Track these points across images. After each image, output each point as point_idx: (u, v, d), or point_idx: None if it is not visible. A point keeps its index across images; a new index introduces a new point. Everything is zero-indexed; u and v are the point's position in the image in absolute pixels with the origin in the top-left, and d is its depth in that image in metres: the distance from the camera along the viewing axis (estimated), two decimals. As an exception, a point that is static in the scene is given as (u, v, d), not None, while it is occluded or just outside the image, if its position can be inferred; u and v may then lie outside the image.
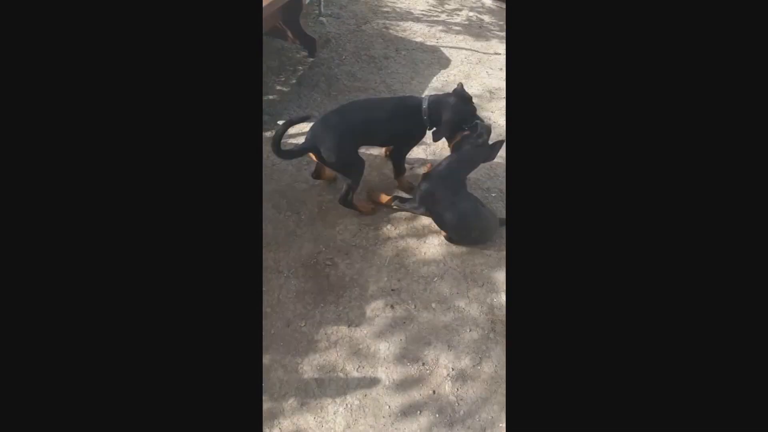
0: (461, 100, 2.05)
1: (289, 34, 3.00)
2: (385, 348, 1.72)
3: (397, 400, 1.58)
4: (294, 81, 2.92)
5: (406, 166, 2.28)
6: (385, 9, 3.76)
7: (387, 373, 1.65)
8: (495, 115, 2.79)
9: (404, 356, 1.70)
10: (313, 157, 2.00)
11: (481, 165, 2.10)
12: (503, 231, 2.10)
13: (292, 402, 1.56)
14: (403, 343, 1.74)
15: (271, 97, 2.75)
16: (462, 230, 2.02)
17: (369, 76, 3.01)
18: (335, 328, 1.76)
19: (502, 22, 3.77)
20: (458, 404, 1.59)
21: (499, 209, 2.21)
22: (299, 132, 2.29)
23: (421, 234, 2.11)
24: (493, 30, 3.67)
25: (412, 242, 2.07)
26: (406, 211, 2.15)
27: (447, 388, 1.63)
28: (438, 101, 2.06)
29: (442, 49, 3.34)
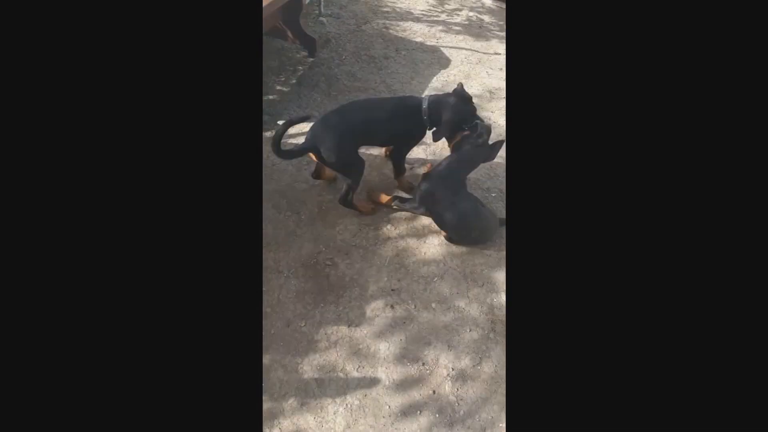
0: (461, 100, 2.05)
1: (289, 34, 3.00)
2: (385, 348, 1.72)
3: (397, 400, 1.58)
4: (294, 81, 2.92)
5: (406, 166, 2.28)
6: (385, 9, 3.76)
7: (387, 373, 1.65)
8: (495, 115, 2.79)
9: (404, 356, 1.70)
10: (313, 157, 2.00)
11: (481, 165, 2.10)
12: (503, 231, 2.10)
13: (292, 402, 1.56)
14: (403, 343, 1.74)
15: (271, 97, 2.75)
16: (462, 230, 2.02)
17: (369, 76, 3.01)
18: (335, 328, 1.76)
19: (502, 22, 3.77)
20: (458, 404, 1.59)
21: (499, 209, 2.21)
22: (299, 132, 2.29)
23: (421, 234, 2.11)
24: (493, 30, 3.67)
25: (412, 242, 2.07)
26: (406, 211, 2.15)
27: (447, 388, 1.63)
28: (438, 101, 2.06)
29: (442, 49, 3.34)
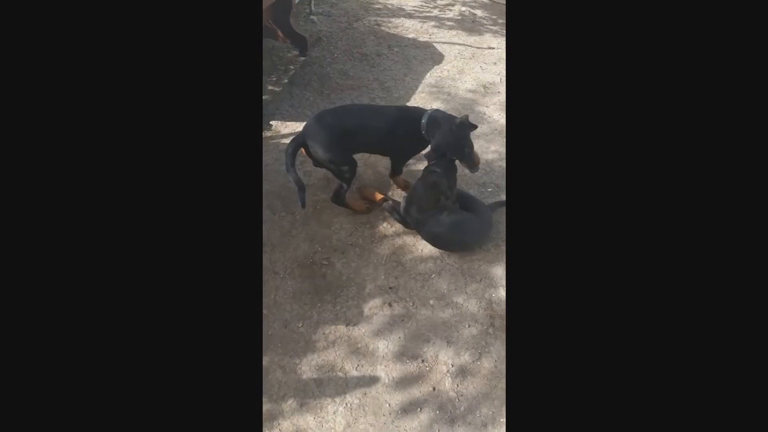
0: (458, 127, 1.92)
1: (280, 33, 2.98)
2: (384, 346, 1.71)
3: (397, 398, 1.57)
4: (286, 80, 2.90)
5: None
6: (377, 6, 3.75)
7: (386, 371, 1.64)
8: (490, 109, 2.78)
9: (403, 354, 1.69)
10: (302, 151, 2.00)
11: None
12: (500, 226, 2.09)
13: (291, 403, 1.55)
14: (402, 340, 1.73)
15: (263, 97, 2.74)
16: (445, 246, 2.01)
17: (361, 73, 3.00)
18: (333, 327, 1.75)
19: (495, 16, 3.76)
20: (458, 400, 1.58)
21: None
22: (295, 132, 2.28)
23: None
24: (486, 24, 3.66)
25: (408, 240, 2.06)
26: (394, 219, 2.11)
27: (447, 384, 1.62)
28: (435, 121, 1.96)
29: (435, 44, 3.33)
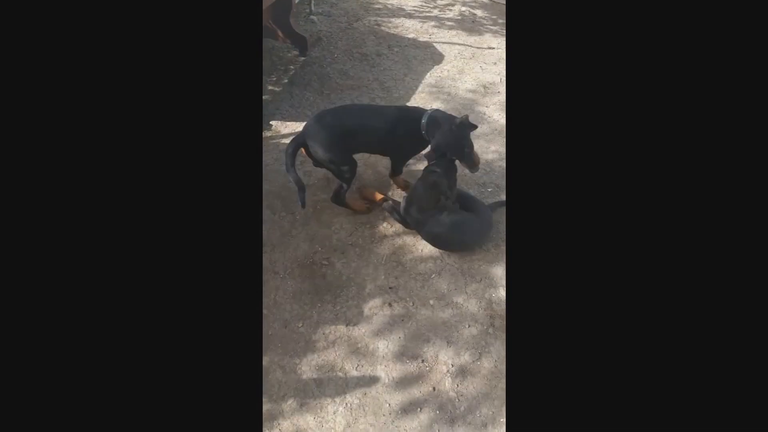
0: (458, 128, 1.91)
1: (280, 33, 2.98)
2: (384, 346, 1.71)
3: (397, 398, 1.57)
4: (286, 81, 2.90)
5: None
6: (377, 6, 3.75)
7: (386, 371, 1.64)
8: (490, 109, 2.78)
9: (403, 354, 1.69)
10: (302, 151, 2.01)
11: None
12: (500, 226, 2.09)
13: (291, 403, 1.55)
14: (402, 340, 1.73)
15: (263, 97, 2.74)
16: (445, 246, 2.01)
17: (361, 73, 3.00)
18: (333, 327, 1.75)
19: (495, 16, 3.76)
20: (458, 400, 1.58)
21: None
22: (293, 132, 2.28)
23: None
24: (486, 24, 3.66)
25: (408, 239, 2.06)
26: (394, 219, 2.11)
27: (447, 384, 1.62)
28: (435, 121, 1.95)
29: (435, 44, 3.33)
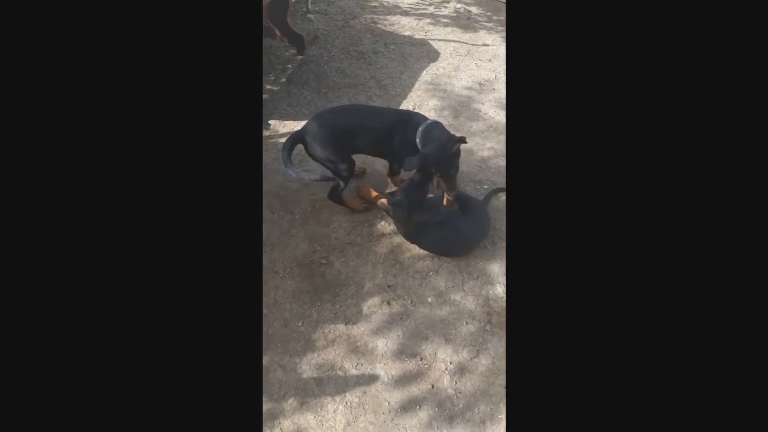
0: (451, 147, 1.86)
1: (277, 32, 2.98)
2: (383, 344, 1.72)
3: (397, 396, 1.59)
4: (284, 79, 2.91)
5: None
6: (373, 4, 3.75)
7: (385, 370, 1.66)
8: (485, 106, 2.78)
9: (402, 352, 1.71)
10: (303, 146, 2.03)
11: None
12: (497, 223, 2.10)
13: (291, 402, 1.56)
14: (401, 338, 1.74)
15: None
16: (440, 253, 2.01)
17: (358, 71, 3.00)
18: (332, 326, 1.77)
19: (490, 13, 3.76)
20: (457, 397, 1.60)
21: (493, 201, 2.21)
22: (291, 131, 2.28)
23: (415, 229, 2.11)
24: (481, 21, 3.66)
25: (406, 238, 2.07)
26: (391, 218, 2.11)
27: (445, 381, 1.64)
28: (430, 133, 1.91)
29: (430, 42, 3.33)
